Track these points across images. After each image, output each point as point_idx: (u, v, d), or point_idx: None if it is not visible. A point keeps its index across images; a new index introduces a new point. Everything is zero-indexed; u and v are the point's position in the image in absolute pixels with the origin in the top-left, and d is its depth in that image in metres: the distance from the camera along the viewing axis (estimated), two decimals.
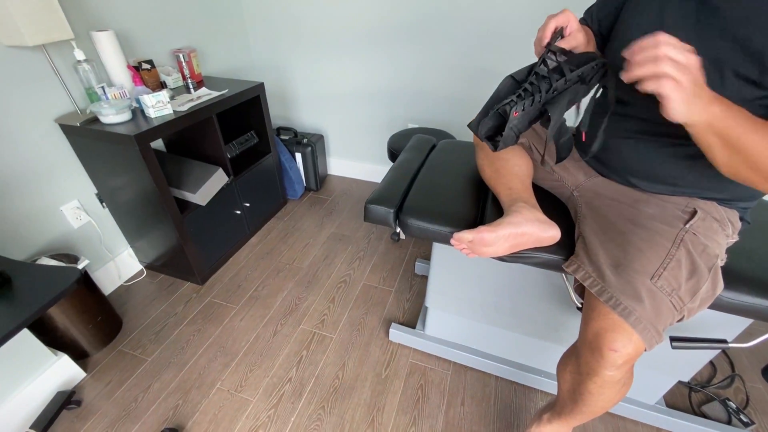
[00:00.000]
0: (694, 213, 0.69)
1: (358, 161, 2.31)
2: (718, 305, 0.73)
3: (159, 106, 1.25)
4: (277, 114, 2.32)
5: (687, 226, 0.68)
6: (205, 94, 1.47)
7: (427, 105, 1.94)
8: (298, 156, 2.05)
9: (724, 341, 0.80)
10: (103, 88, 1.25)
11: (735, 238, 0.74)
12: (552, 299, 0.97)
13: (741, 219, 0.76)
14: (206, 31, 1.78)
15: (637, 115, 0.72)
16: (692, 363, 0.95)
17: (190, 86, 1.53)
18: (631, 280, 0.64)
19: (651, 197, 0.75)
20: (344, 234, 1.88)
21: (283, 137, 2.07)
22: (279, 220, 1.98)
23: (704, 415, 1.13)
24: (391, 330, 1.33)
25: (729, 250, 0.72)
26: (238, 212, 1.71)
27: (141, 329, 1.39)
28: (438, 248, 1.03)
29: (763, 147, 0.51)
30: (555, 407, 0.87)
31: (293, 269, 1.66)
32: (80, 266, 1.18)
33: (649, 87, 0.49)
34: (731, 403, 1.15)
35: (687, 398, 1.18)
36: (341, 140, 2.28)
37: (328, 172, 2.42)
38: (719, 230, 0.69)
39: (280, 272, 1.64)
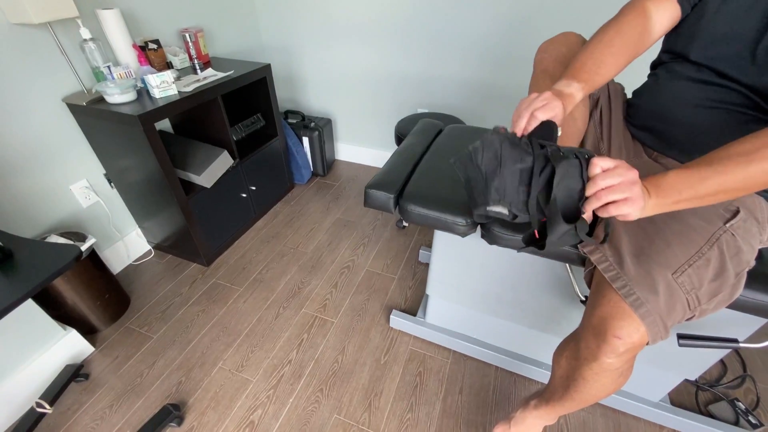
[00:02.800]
0: (736, 212, 0.64)
1: (366, 147, 2.28)
2: (731, 304, 0.69)
3: (163, 86, 1.25)
4: (285, 97, 2.29)
5: (727, 225, 0.63)
6: (210, 75, 1.46)
7: (437, 90, 1.89)
8: (306, 140, 2.03)
9: (735, 341, 0.77)
10: (109, 67, 1.25)
11: (767, 244, 0.70)
12: (555, 291, 0.94)
13: None
14: (215, 11, 1.75)
15: (725, 85, 0.63)
16: (700, 362, 0.92)
17: (197, 67, 1.52)
18: (651, 271, 0.61)
19: None
20: (350, 220, 1.87)
21: (290, 121, 2.05)
22: (285, 204, 1.98)
23: (711, 415, 1.10)
24: (391, 317, 1.32)
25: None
26: (244, 195, 1.71)
27: (148, 308, 1.42)
28: (440, 236, 1.01)
29: (729, 183, 0.52)
30: (543, 394, 0.85)
31: (297, 253, 1.66)
32: (87, 244, 1.20)
33: (611, 213, 0.53)
34: (740, 403, 1.12)
35: (694, 396, 1.15)
36: (350, 125, 2.25)
37: (336, 157, 2.41)
38: (756, 234, 0.65)
39: (285, 256, 1.65)
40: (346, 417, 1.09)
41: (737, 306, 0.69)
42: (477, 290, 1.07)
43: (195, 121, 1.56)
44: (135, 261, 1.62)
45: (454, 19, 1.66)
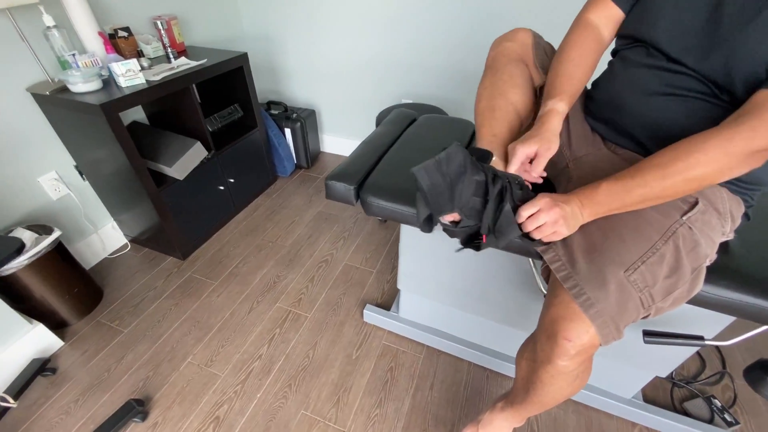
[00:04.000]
0: (695, 204, 0.61)
1: (352, 138, 2.24)
2: (695, 301, 0.66)
3: (129, 75, 1.21)
4: (269, 88, 2.25)
5: (684, 218, 0.60)
6: (183, 64, 1.42)
7: (423, 80, 1.85)
8: (288, 131, 2.00)
9: (701, 338, 0.74)
10: (74, 55, 1.22)
11: (730, 236, 0.67)
12: (521, 285, 0.92)
13: (745, 212, 0.68)
14: None
15: (677, 71, 0.62)
16: (670, 359, 0.89)
17: (170, 55, 1.48)
18: (603, 269, 0.58)
19: None
20: (331, 213, 1.84)
21: (272, 112, 2.01)
22: (267, 197, 1.95)
23: (685, 412, 1.08)
24: (365, 311, 1.30)
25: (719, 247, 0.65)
26: (222, 188, 1.68)
27: (120, 301, 1.40)
28: (406, 229, 0.98)
29: (652, 193, 0.55)
30: (509, 396, 0.83)
31: (276, 247, 1.64)
32: (51, 238, 1.17)
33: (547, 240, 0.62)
34: (716, 401, 1.09)
35: (669, 393, 1.12)
36: (335, 116, 2.21)
37: (322, 149, 2.37)
38: (717, 226, 0.62)
39: (263, 250, 1.63)
40: (313, 413, 1.07)
41: (699, 302, 0.66)
42: (445, 285, 1.04)
43: (169, 111, 1.53)
44: (111, 254, 1.60)
45: (441, 10, 1.61)
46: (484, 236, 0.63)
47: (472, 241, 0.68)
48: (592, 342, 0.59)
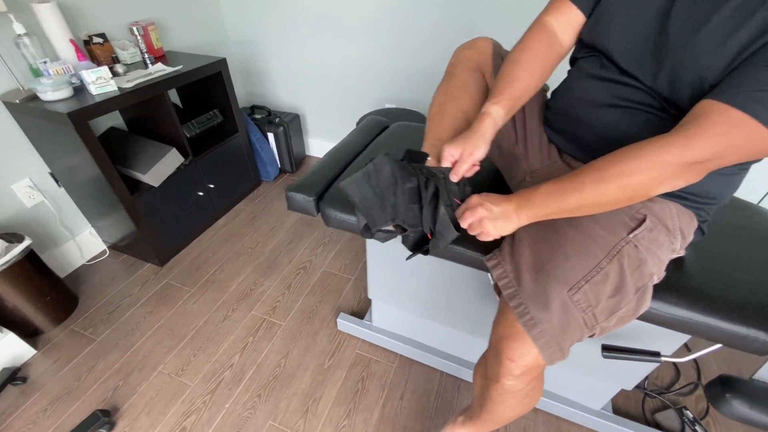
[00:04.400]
0: (642, 221, 0.60)
1: (337, 142, 2.23)
2: (646, 318, 0.66)
3: (100, 82, 1.21)
4: (254, 92, 2.25)
5: (630, 235, 0.59)
6: (159, 70, 1.41)
7: (405, 85, 1.84)
8: (271, 136, 1.99)
9: (658, 354, 0.73)
10: (45, 63, 1.21)
11: (681, 253, 0.66)
12: (486, 297, 0.91)
13: (699, 227, 0.67)
14: (174, 3, 1.70)
15: (626, 83, 0.61)
16: (634, 372, 0.89)
17: (147, 61, 1.48)
18: (547, 288, 0.57)
19: None
20: (313, 219, 1.83)
21: (256, 116, 2.01)
22: (250, 202, 1.95)
23: (656, 424, 1.07)
24: (338, 320, 1.29)
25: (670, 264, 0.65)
26: (201, 194, 1.68)
27: (95, 309, 1.40)
28: (371, 240, 0.97)
29: (587, 198, 0.54)
30: (469, 411, 0.82)
31: (255, 253, 1.64)
32: (21, 247, 1.17)
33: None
34: (688, 412, 1.08)
35: (641, 403, 1.12)
36: (320, 120, 2.20)
37: (307, 153, 2.36)
38: (665, 243, 0.61)
39: (241, 256, 1.62)
40: (281, 423, 1.07)
41: (649, 319, 0.66)
42: (413, 294, 1.03)
43: (146, 118, 1.53)
44: (89, 261, 1.60)
45: (424, 16, 1.60)
46: (429, 236, 0.64)
47: (421, 246, 0.68)
48: (535, 362, 0.58)
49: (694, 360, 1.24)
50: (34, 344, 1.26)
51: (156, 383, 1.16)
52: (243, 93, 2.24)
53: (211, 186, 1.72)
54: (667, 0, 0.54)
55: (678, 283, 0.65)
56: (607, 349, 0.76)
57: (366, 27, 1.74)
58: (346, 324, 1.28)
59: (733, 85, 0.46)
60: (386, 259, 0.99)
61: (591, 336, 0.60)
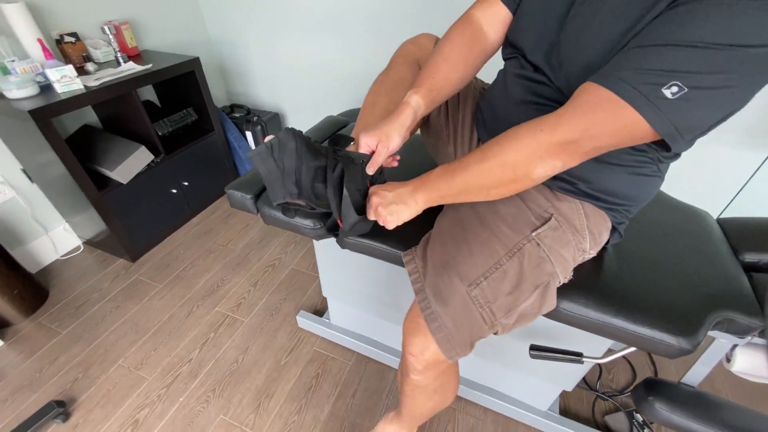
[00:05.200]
0: (548, 219, 0.61)
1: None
2: (557, 317, 0.66)
3: (65, 80, 1.23)
4: (236, 91, 2.27)
5: (533, 233, 0.60)
6: (128, 69, 1.43)
7: None
8: (249, 134, 2.01)
9: (580, 355, 0.74)
10: (13, 61, 1.24)
11: (591, 254, 0.66)
12: None
13: (614, 229, 0.67)
14: (151, 3, 1.72)
15: (538, 80, 0.61)
16: (571, 373, 0.89)
17: (120, 60, 1.50)
18: (449, 284, 0.58)
19: (520, 192, 0.63)
20: None
21: (235, 115, 2.02)
22: (226, 200, 1.97)
23: (606, 426, 1.07)
24: (298, 317, 1.31)
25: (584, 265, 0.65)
26: (175, 191, 1.70)
27: (64, 303, 1.42)
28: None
29: (472, 177, 0.54)
30: (397, 407, 0.83)
31: (226, 250, 1.66)
32: None
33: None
34: (638, 415, 1.08)
35: (591, 405, 1.11)
36: (299, 119, 2.22)
37: None
38: (570, 243, 0.61)
39: (212, 253, 1.64)
40: (232, 418, 1.08)
41: (560, 319, 0.66)
42: (360, 292, 1.04)
43: (118, 116, 1.55)
44: (63, 255, 1.63)
45: (402, 19, 1.61)
46: (338, 222, 0.64)
47: (336, 229, 0.69)
48: (436, 357, 0.59)
49: (652, 363, 1.24)
50: (1, 336, 1.29)
51: (114, 376, 1.18)
52: (224, 92, 2.26)
53: (186, 183, 1.74)
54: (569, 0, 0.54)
55: (591, 285, 0.65)
56: (534, 348, 0.77)
57: (345, 28, 1.74)
58: (305, 321, 1.30)
59: (606, 68, 0.46)
60: (333, 258, 1.01)
61: (495, 333, 0.61)
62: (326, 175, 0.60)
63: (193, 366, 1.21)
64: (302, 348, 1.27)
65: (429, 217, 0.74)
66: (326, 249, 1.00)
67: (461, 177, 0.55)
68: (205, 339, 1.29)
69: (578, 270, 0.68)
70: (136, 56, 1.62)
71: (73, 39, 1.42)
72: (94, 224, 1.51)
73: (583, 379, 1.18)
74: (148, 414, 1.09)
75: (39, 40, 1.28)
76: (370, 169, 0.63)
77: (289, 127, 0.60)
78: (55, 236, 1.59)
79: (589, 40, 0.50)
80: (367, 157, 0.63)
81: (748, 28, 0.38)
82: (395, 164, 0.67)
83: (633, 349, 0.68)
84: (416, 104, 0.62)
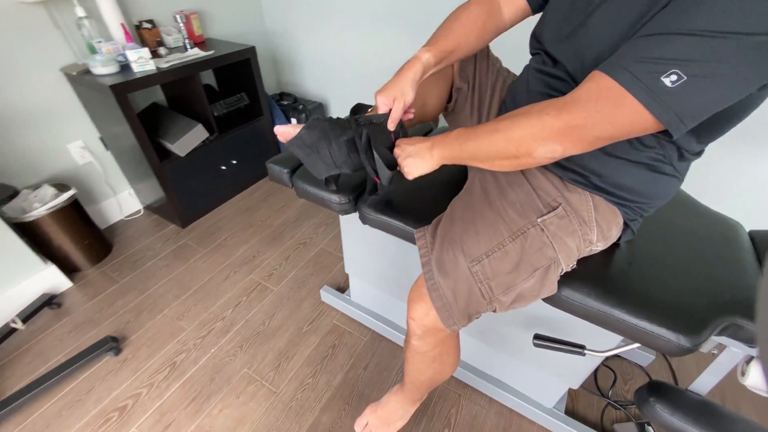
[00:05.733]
0: (555, 208, 0.64)
1: None
2: (556, 303, 0.68)
3: (141, 61, 1.40)
4: (285, 80, 2.41)
5: (539, 219, 0.63)
6: (193, 55, 1.60)
7: None
8: (294, 121, 2.14)
9: (582, 347, 0.75)
10: (100, 42, 1.43)
11: (598, 246, 0.67)
12: None
13: (626, 226, 0.68)
14: None
15: (556, 74, 0.64)
16: (577, 370, 0.89)
17: (187, 46, 1.67)
18: (452, 259, 0.63)
19: (531, 180, 0.68)
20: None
21: (283, 102, 2.16)
22: (268, 181, 2.11)
23: None
24: (321, 291, 1.40)
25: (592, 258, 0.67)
26: (224, 168, 1.86)
27: (123, 257, 1.62)
28: (344, 216, 1.06)
29: (481, 145, 0.58)
30: (403, 378, 0.89)
31: (263, 226, 1.79)
32: (66, 196, 1.40)
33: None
34: (650, 428, 1.05)
35: (600, 411, 1.10)
36: (342, 110, 2.32)
37: None
38: (576, 233, 0.64)
39: (251, 227, 1.78)
40: (254, 372, 1.19)
41: (560, 306, 0.68)
42: (379, 271, 1.11)
43: (182, 96, 1.73)
44: (126, 216, 1.84)
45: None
46: (377, 178, 0.71)
47: (376, 190, 0.78)
48: (434, 324, 0.64)
49: (673, 372, 1.19)
50: (71, 278, 1.50)
51: (159, 323, 1.34)
52: (275, 80, 2.41)
53: (234, 162, 1.90)
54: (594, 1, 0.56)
55: (596, 277, 0.67)
56: (538, 337, 0.79)
57: (389, 23, 1.81)
58: (328, 296, 1.39)
59: (612, 57, 0.48)
60: (356, 235, 1.08)
61: (494, 311, 0.64)
62: (356, 145, 0.67)
63: (225, 323, 1.34)
64: (323, 320, 1.36)
65: (444, 201, 0.79)
66: (350, 225, 1.07)
67: (473, 143, 0.58)
68: (238, 301, 1.42)
69: (586, 262, 0.69)
70: (200, 43, 1.79)
71: (149, 25, 1.61)
72: (154, 192, 1.70)
73: (596, 385, 1.17)
74: (184, 359, 1.23)
75: (122, 25, 1.47)
76: (391, 125, 0.69)
77: (313, 117, 0.68)
78: (121, 199, 1.80)
79: (602, 31, 0.52)
80: (386, 116, 0.68)
81: (754, 15, 0.38)
82: (411, 116, 0.72)
83: (635, 345, 0.69)
84: (426, 61, 0.67)
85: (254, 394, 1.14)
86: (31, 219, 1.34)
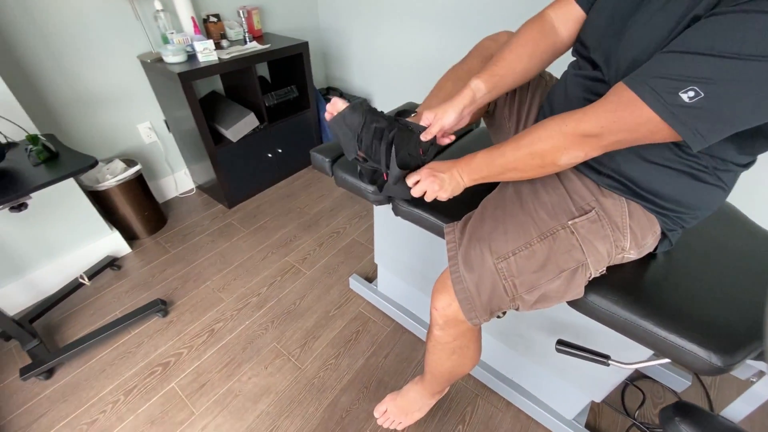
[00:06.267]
0: (588, 211, 0.64)
1: None
2: (582, 308, 0.68)
3: (205, 52, 1.53)
4: (333, 75, 2.50)
5: (569, 222, 0.64)
6: (251, 47, 1.71)
7: None
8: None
9: (607, 357, 0.73)
10: (172, 33, 1.57)
11: (632, 254, 0.66)
12: None
13: (664, 236, 0.67)
14: None
15: (594, 78, 0.65)
16: (602, 381, 0.87)
17: (246, 39, 1.79)
18: (479, 255, 0.65)
19: (566, 184, 0.68)
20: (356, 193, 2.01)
21: (329, 96, 2.24)
22: (309, 171, 2.21)
23: None
24: (350, 279, 1.46)
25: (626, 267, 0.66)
26: (270, 155, 1.97)
27: (176, 230, 1.77)
28: (378, 207, 1.10)
29: (508, 162, 0.61)
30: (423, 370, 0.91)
31: (302, 213, 1.88)
32: (132, 171, 1.56)
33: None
34: None
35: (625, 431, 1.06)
36: (386, 107, 2.36)
37: None
38: (608, 238, 0.63)
39: (290, 213, 1.88)
40: (282, 347, 1.27)
41: (586, 311, 0.68)
42: (407, 264, 1.14)
43: (238, 86, 1.85)
44: (180, 194, 2.01)
45: (499, 19, 1.64)
46: (385, 175, 0.74)
47: (380, 181, 0.79)
48: (456, 316, 0.66)
49: (708, 395, 1.12)
50: (131, 245, 1.67)
51: (202, 292, 1.46)
52: (323, 75, 2.51)
53: (279, 150, 2.01)
54: (636, 2, 0.55)
55: (628, 286, 0.66)
56: (561, 343, 0.79)
57: (437, 23, 1.83)
58: (356, 284, 1.44)
59: (637, 70, 0.49)
60: (387, 226, 1.11)
61: (516, 309, 0.65)
62: (383, 135, 0.71)
63: (260, 299, 1.44)
64: (349, 306, 1.41)
65: (476, 198, 0.80)
66: (383, 217, 1.11)
67: (499, 162, 0.62)
68: (273, 280, 1.51)
69: (618, 269, 0.68)
70: (259, 37, 1.91)
71: (215, 19, 1.74)
72: (206, 173, 1.84)
73: (623, 403, 1.12)
74: (221, 327, 1.33)
75: (192, 18, 1.61)
76: (424, 137, 0.71)
77: (358, 100, 0.71)
78: (177, 177, 1.97)
79: (638, 39, 0.52)
80: (423, 128, 0.72)
81: None
82: (446, 141, 0.74)
83: (664, 361, 0.67)
84: (475, 87, 0.68)
85: (281, 367, 1.21)
86: (102, 188, 1.51)
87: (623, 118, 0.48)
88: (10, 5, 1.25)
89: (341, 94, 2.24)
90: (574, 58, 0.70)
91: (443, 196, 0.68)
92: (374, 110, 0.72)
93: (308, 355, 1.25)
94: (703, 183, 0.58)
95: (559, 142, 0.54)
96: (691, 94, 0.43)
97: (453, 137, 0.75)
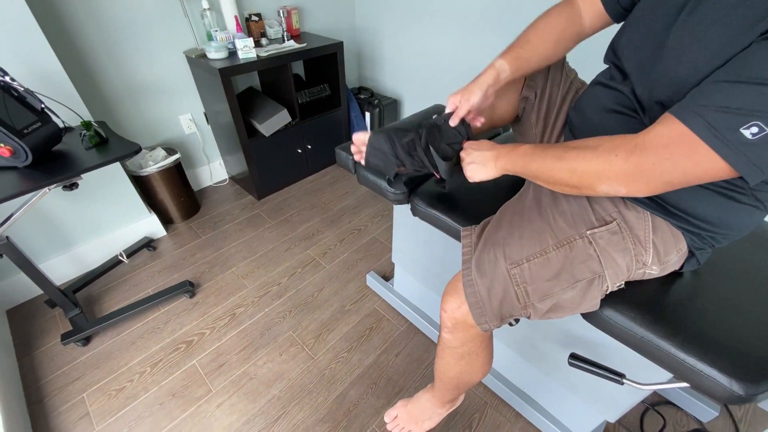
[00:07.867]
0: (608, 222, 0.62)
1: None
2: (597, 323, 0.66)
3: (245, 49, 1.60)
4: (367, 75, 2.53)
5: (588, 232, 0.62)
6: (288, 46, 1.77)
7: None
8: (368, 115, 2.25)
9: (622, 375, 0.71)
10: (216, 31, 1.66)
11: (653, 270, 0.63)
12: None
13: (691, 254, 0.64)
14: None
15: (622, 90, 0.63)
16: (615, 401, 0.84)
17: (284, 38, 1.86)
18: (492, 260, 0.65)
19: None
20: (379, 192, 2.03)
21: (360, 96, 2.28)
22: (336, 168, 2.25)
23: None
24: (367, 276, 1.48)
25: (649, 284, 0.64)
26: (300, 151, 2.03)
27: (207, 217, 1.87)
28: (398, 206, 1.11)
29: (544, 168, 0.59)
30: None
31: (326, 209, 1.92)
32: (172, 159, 1.66)
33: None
34: None
35: None
36: (416, 108, 2.37)
37: None
38: (629, 251, 0.61)
39: (315, 208, 1.93)
40: (298, 336, 1.31)
41: (601, 326, 0.66)
42: (423, 265, 1.14)
43: (274, 82, 1.92)
44: (215, 183, 2.11)
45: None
46: (436, 174, 0.78)
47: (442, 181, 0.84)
48: (465, 319, 0.66)
49: (735, 424, 1.05)
50: (166, 228, 1.77)
51: (227, 277, 1.53)
52: (356, 75, 2.55)
53: (309, 147, 2.06)
54: (674, 14, 0.53)
55: (648, 303, 0.63)
56: (574, 357, 0.77)
57: (469, 25, 1.81)
58: (373, 282, 1.46)
59: (687, 99, 0.45)
60: (406, 226, 1.12)
61: (528, 317, 0.64)
62: (416, 145, 0.74)
63: (280, 289, 1.49)
64: (365, 302, 1.43)
65: (497, 203, 0.80)
66: (402, 216, 1.12)
67: (536, 164, 0.59)
68: (294, 272, 1.56)
69: (639, 286, 0.66)
70: (296, 36, 1.97)
71: (257, 18, 1.82)
72: (239, 165, 1.93)
73: (641, 428, 1.07)
74: (242, 312, 1.39)
75: (235, 17, 1.69)
76: (453, 121, 0.73)
77: (375, 130, 0.77)
78: (212, 168, 2.07)
79: (688, 55, 0.49)
80: (447, 116, 0.73)
81: None
82: (478, 124, 0.75)
83: (682, 384, 0.64)
84: (500, 67, 0.70)
85: (295, 355, 1.25)
86: (144, 174, 1.61)
87: (676, 155, 0.44)
88: (73, 1, 1.37)
89: (372, 95, 2.27)
90: (608, 66, 0.68)
91: (469, 177, 0.70)
92: (394, 127, 0.76)
93: (322, 347, 1.28)
94: (737, 203, 0.55)
95: (604, 169, 0.50)
96: (755, 130, 0.39)
97: (483, 119, 0.75)
